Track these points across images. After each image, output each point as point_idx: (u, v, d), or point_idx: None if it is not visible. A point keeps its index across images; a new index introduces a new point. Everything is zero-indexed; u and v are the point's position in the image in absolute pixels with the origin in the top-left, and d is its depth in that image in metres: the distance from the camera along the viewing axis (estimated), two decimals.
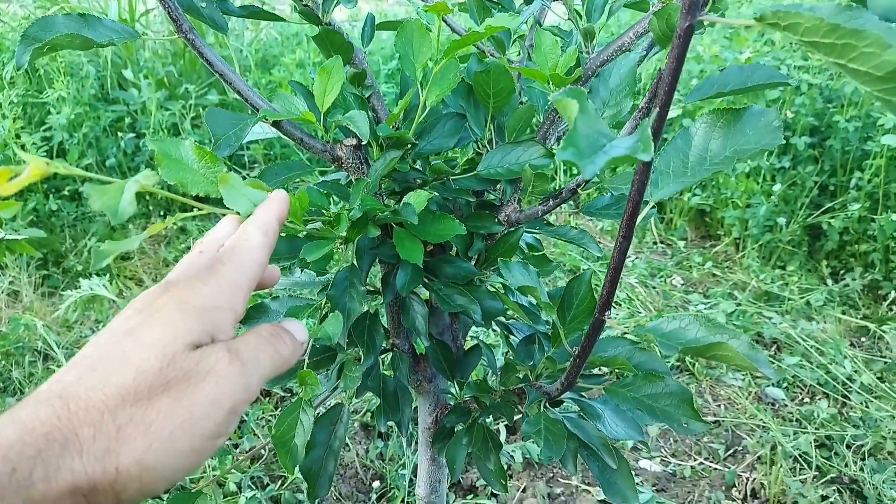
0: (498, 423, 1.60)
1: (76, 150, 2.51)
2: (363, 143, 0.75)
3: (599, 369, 1.36)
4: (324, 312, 0.74)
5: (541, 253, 0.87)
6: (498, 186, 0.89)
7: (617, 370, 0.71)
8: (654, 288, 2.35)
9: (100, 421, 0.33)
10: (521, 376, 0.79)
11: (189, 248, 2.47)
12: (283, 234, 0.68)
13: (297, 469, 0.66)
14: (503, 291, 0.87)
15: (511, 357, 0.81)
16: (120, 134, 2.64)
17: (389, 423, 0.78)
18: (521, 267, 0.63)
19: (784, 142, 2.70)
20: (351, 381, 0.74)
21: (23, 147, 2.38)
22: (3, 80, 2.56)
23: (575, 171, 2.88)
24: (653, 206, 0.80)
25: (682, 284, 2.43)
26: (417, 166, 0.81)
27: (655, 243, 2.70)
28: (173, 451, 0.34)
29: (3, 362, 1.91)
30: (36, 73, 2.61)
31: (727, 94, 0.65)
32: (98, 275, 2.19)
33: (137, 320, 0.38)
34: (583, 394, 0.81)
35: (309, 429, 0.64)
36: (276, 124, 0.72)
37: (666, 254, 2.64)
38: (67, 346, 2.00)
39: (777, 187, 2.45)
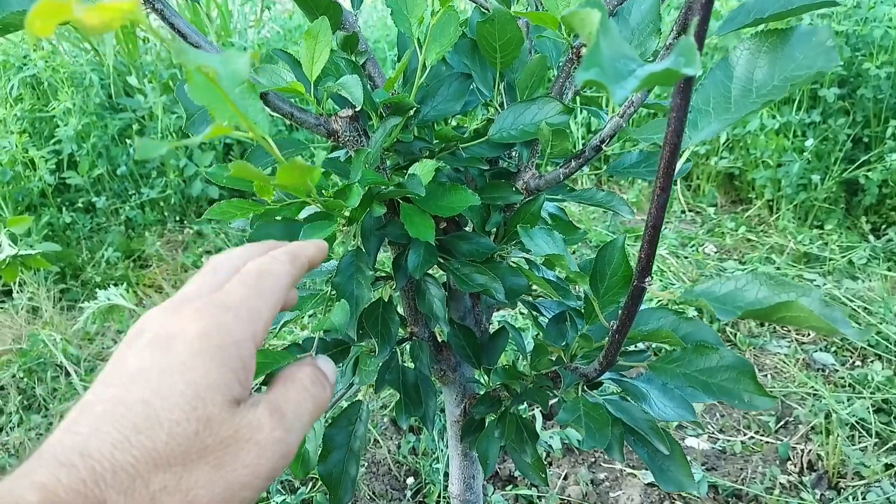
0: (533, 409, 1.53)
1: (86, 162, 2.48)
2: (360, 112, 0.68)
3: (640, 346, 1.28)
4: (331, 303, 0.68)
5: (565, 221, 0.79)
6: (512, 153, 0.82)
7: (661, 345, 0.64)
8: (685, 258, 2.25)
9: (131, 487, 0.30)
10: (553, 358, 0.71)
11: (207, 253, 2.42)
12: (279, 218, 0.61)
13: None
14: (527, 267, 0.79)
15: (541, 338, 0.74)
16: (129, 142, 2.60)
17: (413, 418, 0.71)
18: (544, 234, 0.56)
19: (812, 94, 2.57)
20: (366, 375, 0.67)
21: (31, 161, 2.36)
22: (9, 96, 2.53)
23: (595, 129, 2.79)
24: (687, 160, 0.72)
25: (716, 252, 2.33)
26: (422, 136, 0.74)
27: (684, 212, 2.59)
28: None
29: (26, 379, 1.88)
30: (40, 86, 2.58)
31: (767, 20, 0.57)
32: (115, 284, 2.16)
33: (152, 359, 0.33)
34: (623, 373, 0.73)
35: (320, 432, 0.57)
36: (261, 98, 0.65)
37: (696, 222, 2.53)
38: (89, 358, 1.97)
39: (809, 142, 2.33)
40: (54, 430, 0.32)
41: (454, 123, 0.80)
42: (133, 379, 0.32)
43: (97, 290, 2.11)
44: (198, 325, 0.34)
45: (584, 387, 0.67)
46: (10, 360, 1.95)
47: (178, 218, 2.66)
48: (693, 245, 2.34)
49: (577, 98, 0.76)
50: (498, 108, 0.73)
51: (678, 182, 2.70)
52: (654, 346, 1.62)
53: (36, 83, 2.58)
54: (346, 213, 0.64)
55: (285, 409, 0.35)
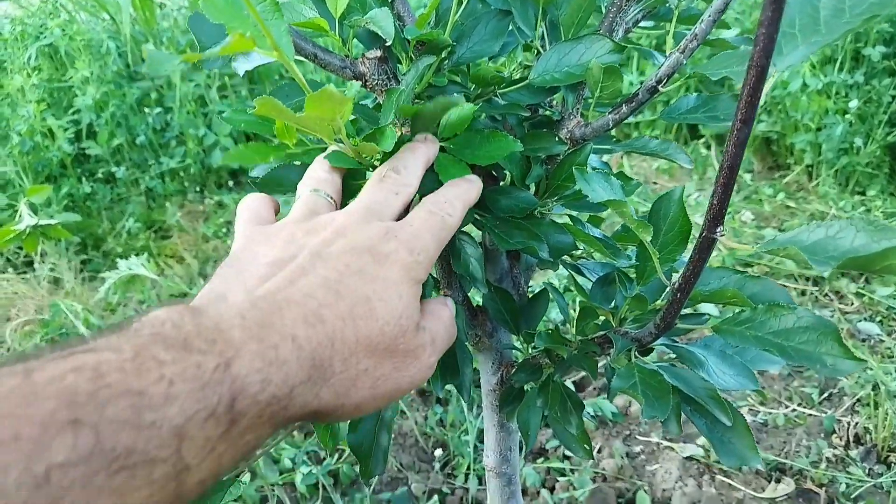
0: (564, 380, 1.47)
1: (105, 131, 2.44)
2: (388, 53, 0.62)
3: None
4: None
5: (617, 172, 0.73)
6: (553, 101, 0.75)
7: (724, 305, 0.57)
8: None
9: (349, 359, 0.36)
10: (599, 322, 0.65)
11: (227, 224, 2.37)
12: (298, 163, 0.55)
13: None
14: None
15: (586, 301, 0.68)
16: (147, 110, 2.56)
17: (448, 387, 0.66)
18: (602, 178, 0.49)
19: (855, 53, 2.45)
20: None
21: (50, 131, 2.33)
22: (27, 65, 2.50)
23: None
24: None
25: (753, 219, 2.24)
26: (456, 80, 0.68)
27: None
28: (378, 405, 0.38)
29: None
30: (57, 55, 2.54)
31: None
32: (137, 254, 2.13)
33: (371, 265, 0.39)
34: (676, 339, 0.67)
35: None
36: None
37: None
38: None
39: (853, 103, 2.22)
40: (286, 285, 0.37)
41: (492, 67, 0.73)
42: (348, 274, 0.38)
43: (118, 260, 2.08)
44: (406, 256, 0.40)
45: (636, 353, 0.61)
46: (32, 331, 1.93)
47: (198, 188, 2.63)
48: (729, 213, 2.25)
49: (629, 37, 0.69)
50: (540, 48, 0.66)
51: (712, 146, 2.61)
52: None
53: (53, 52, 2.55)
54: (376, 163, 0.58)
55: (436, 340, 0.42)
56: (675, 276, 0.58)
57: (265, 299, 0.35)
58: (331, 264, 0.38)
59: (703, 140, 2.74)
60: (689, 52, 0.60)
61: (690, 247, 0.52)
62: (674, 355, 0.67)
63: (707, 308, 1.66)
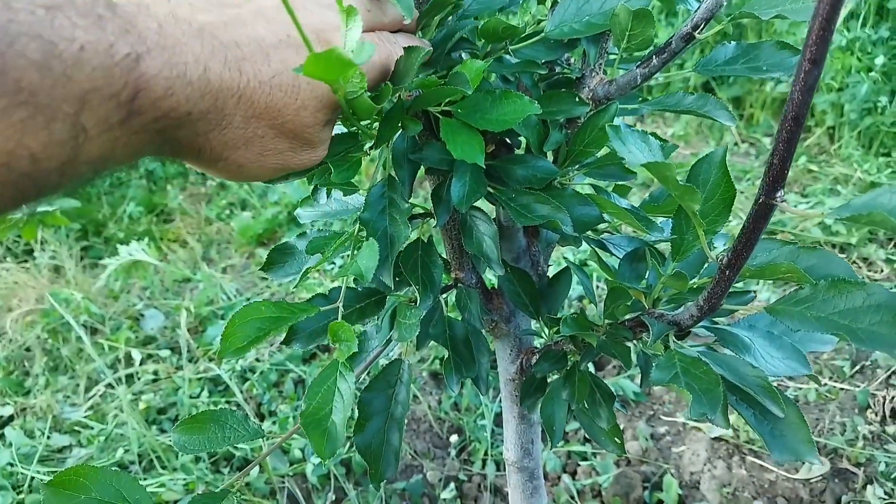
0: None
1: None
2: None
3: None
4: (360, 245, 0.55)
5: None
6: (570, 58, 0.67)
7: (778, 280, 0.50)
8: (741, 192, 2.08)
9: (251, 120, 0.36)
10: (629, 304, 0.58)
11: (230, 206, 2.31)
12: None
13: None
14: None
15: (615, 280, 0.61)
16: None
17: (465, 378, 0.60)
18: (639, 138, 0.42)
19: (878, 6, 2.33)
20: (407, 329, 0.56)
21: None
22: None
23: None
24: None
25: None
26: (463, 36, 0.60)
27: (736, 144, 2.41)
28: (258, 174, 0.40)
29: (51, 340, 1.82)
30: None
31: None
32: (139, 239, 2.07)
33: (315, 48, 0.34)
34: (716, 320, 0.60)
35: (350, 400, 0.46)
36: None
37: (750, 154, 2.35)
38: (114, 316, 1.90)
39: (879, 60, 2.11)
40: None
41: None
42: (286, 44, 0.37)
43: (119, 246, 2.03)
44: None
45: (675, 338, 0.55)
46: (34, 321, 1.89)
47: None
48: (749, 179, 2.17)
49: None
50: None
51: (729, 106, 2.51)
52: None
53: None
54: (374, 132, 0.51)
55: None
56: (716, 250, 0.51)
57: (188, 23, 0.33)
58: (273, 27, 0.37)
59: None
60: None
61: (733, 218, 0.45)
62: (714, 337, 0.60)
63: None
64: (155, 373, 1.74)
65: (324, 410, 0.44)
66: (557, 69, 0.66)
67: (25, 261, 2.17)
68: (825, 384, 1.42)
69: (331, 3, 0.40)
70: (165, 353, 1.80)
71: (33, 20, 0.26)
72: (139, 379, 1.72)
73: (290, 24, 0.32)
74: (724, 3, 0.52)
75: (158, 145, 0.33)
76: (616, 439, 0.62)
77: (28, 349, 1.83)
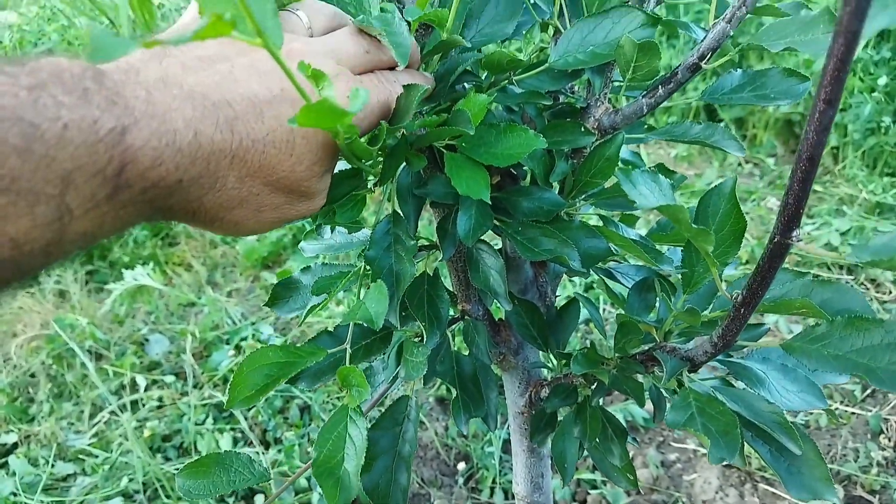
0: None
1: None
2: None
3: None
4: (366, 280, 0.55)
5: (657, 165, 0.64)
6: (575, 87, 0.67)
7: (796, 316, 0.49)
8: (746, 213, 2.07)
9: (245, 180, 0.36)
10: (641, 337, 0.57)
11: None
12: None
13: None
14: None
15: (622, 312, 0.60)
16: None
17: (474, 418, 0.59)
18: (648, 178, 0.41)
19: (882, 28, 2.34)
20: (414, 367, 0.55)
21: None
22: None
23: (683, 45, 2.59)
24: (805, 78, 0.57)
25: (779, 204, 2.14)
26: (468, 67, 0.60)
27: (740, 164, 2.40)
28: (256, 229, 0.38)
29: (56, 366, 1.81)
30: None
31: None
32: (144, 263, 2.07)
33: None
34: (731, 354, 0.59)
35: (362, 446, 0.45)
36: None
37: (754, 174, 2.34)
38: (119, 341, 1.89)
39: (882, 80, 2.11)
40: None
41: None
42: (281, 99, 0.36)
43: (125, 270, 2.02)
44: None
45: (687, 372, 0.53)
46: (39, 347, 1.88)
47: None
48: (754, 200, 2.16)
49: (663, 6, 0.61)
50: (559, 27, 0.58)
51: (732, 128, 2.50)
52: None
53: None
54: (378, 169, 0.51)
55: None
56: (726, 285, 0.50)
57: (179, 86, 0.33)
58: (267, 81, 0.35)
59: (721, 124, 2.64)
60: (736, 21, 0.52)
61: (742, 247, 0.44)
62: (726, 370, 0.59)
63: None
64: (160, 399, 1.73)
65: (335, 458, 0.43)
66: (562, 98, 0.66)
67: (30, 286, 2.17)
68: (836, 408, 1.40)
69: (328, 50, 0.40)
70: (170, 378, 1.79)
71: (16, 103, 0.26)
72: (144, 405, 1.71)
73: (285, 76, 0.31)
74: (731, 34, 0.51)
75: (149, 214, 0.33)
76: (629, 475, 0.60)
77: (33, 375, 1.82)
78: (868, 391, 1.43)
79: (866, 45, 2.24)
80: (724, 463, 1.22)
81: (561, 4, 0.58)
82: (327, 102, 0.30)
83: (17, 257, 0.27)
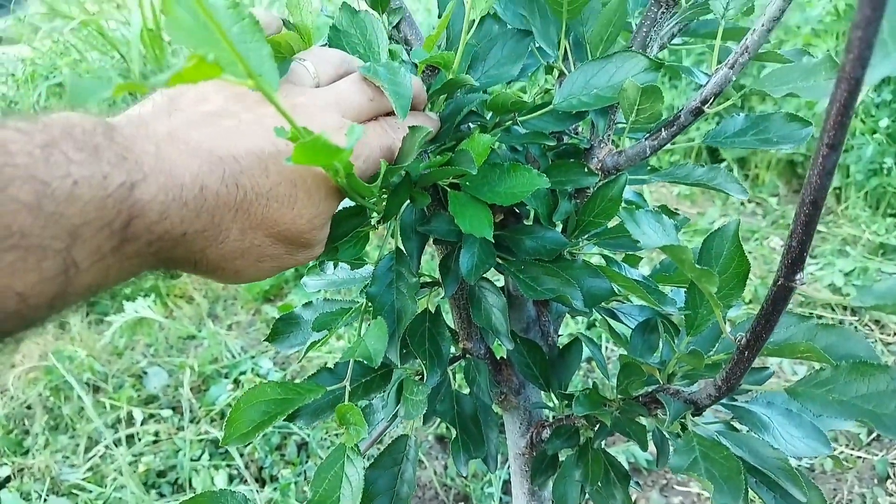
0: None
1: None
2: None
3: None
4: (367, 316, 0.54)
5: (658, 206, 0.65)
6: (579, 128, 0.68)
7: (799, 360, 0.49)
8: (749, 253, 2.07)
9: (247, 231, 0.36)
10: (644, 379, 0.57)
11: None
12: None
13: None
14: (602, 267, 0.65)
15: (627, 353, 0.59)
16: None
17: (473, 459, 0.58)
18: (652, 218, 0.41)
19: None
20: (414, 406, 0.54)
21: None
22: (36, 105, 2.48)
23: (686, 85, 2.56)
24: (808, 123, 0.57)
25: (782, 246, 2.14)
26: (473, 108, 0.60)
27: (742, 204, 2.41)
28: (257, 277, 0.39)
29: (53, 398, 1.80)
30: (66, 94, 2.52)
31: None
32: (145, 295, 2.07)
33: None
34: (735, 397, 0.58)
35: (359, 487, 0.44)
36: None
37: (756, 214, 2.35)
38: (117, 374, 1.88)
39: (884, 122, 2.13)
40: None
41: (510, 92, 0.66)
42: (286, 153, 0.36)
43: (125, 302, 2.02)
44: (352, 161, 0.38)
45: (690, 415, 0.53)
46: (36, 378, 1.87)
47: None
48: (756, 239, 2.16)
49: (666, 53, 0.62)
50: (564, 69, 0.59)
51: (734, 168, 2.52)
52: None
53: (63, 91, 2.53)
54: (382, 206, 0.51)
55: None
56: (731, 328, 0.50)
57: (186, 142, 0.33)
58: (271, 137, 0.36)
59: (724, 164, 2.65)
60: (738, 66, 0.52)
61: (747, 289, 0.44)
62: (730, 414, 0.58)
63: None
64: (156, 433, 1.71)
65: (331, 499, 0.42)
66: (566, 139, 0.66)
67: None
68: (842, 452, 1.38)
69: (333, 102, 0.40)
70: (167, 412, 1.77)
71: (29, 162, 0.26)
72: (140, 440, 1.69)
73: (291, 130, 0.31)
74: (734, 78, 0.52)
75: (153, 265, 0.33)
76: None
77: (29, 407, 1.80)
78: (874, 435, 1.41)
79: (868, 88, 2.27)
80: None
81: (566, 48, 0.58)
82: (322, 139, 0.30)
83: (23, 310, 0.27)
